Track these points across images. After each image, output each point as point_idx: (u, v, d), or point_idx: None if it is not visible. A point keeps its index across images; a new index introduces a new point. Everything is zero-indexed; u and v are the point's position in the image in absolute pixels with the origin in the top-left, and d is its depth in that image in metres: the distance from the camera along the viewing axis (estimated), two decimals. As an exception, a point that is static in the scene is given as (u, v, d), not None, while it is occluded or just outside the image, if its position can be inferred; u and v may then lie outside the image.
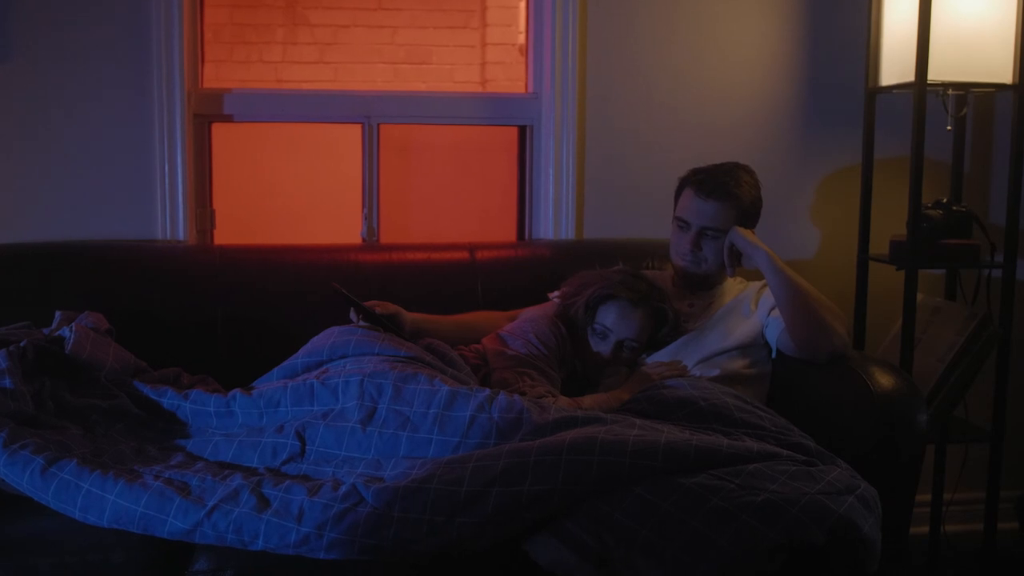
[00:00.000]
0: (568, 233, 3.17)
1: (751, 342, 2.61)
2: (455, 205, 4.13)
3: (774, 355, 2.62)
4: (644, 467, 1.92)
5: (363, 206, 3.20)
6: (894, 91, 3.03)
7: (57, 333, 2.40)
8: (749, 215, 2.67)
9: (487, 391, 2.13)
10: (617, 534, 1.85)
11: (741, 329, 2.62)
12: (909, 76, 2.85)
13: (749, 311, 2.65)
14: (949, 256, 2.97)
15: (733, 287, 2.75)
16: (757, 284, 2.72)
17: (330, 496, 1.89)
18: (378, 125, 3.18)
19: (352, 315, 2.53)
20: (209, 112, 3.09)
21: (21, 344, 2.28)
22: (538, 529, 1.89)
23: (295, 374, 2.37)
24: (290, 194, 4.60)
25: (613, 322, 2.54)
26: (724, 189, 2.62)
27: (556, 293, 2.69)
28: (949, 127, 3.09)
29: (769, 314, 2.62)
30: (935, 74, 2.83)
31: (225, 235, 3.19)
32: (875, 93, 3.11)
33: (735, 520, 1.83)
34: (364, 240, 3.20)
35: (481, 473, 1.89)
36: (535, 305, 2.71)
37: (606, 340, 2.55)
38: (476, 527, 1.86)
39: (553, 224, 3.17)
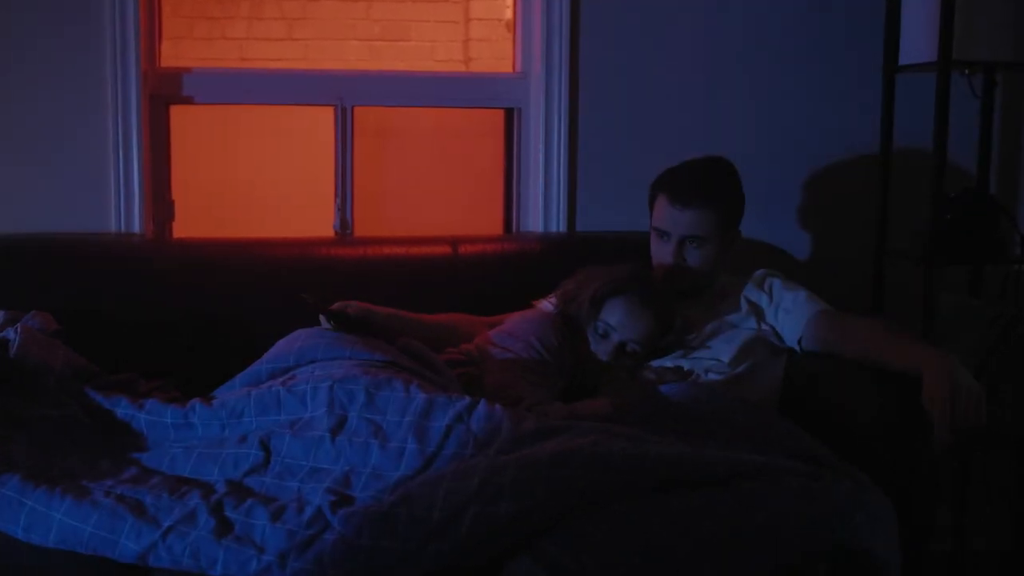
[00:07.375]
0: (559, 225, 3.17)
1: (758, 338, 2.63)
2: (436, 195, 4.14)
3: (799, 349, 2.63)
4: (630, 484, 1.91)
5: (336, 196, 3.20)
6: (916, 70, 3.03)
7: (0, 335, 2.40)
8: (731, 217, 2.71)
9: (467, 399, 2.13)
10: (599, 557, 1.82)
11: (746, 326, 2.66)
12: (932, 54, 2.85)
13: (749, 307, 2.70)
14: (974, 251, 2.97)
15: (730, 282, 2.78)
16: (751, 279, 2.76)
17: (295, 521, 1.89)
18: (352, 108, 3.17)
19: (322, 319, 2.53)
20: (167, 93, 3.09)
21: (-40, 348, 2.28)
22: (516, 551, 1.88)
23: (259, 381, 2.37)
24: (256, 183, 4.61)
25: (619, 320, 2.54)
26: (701, 195, 2.64)
27: (543, 301, 2.69)
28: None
29: (777, 313, 2.65)
30: (960, 52, 2.83)
31: (184, 228, 3.19)
32: (895, 73, 3.11)
33: (729, 545, 1.83)
34: (337, 233, 3.20)
35: (454, 494, 1.88)
36: (519, 312, 2.70)
37: (607, 340, 2.55)
38: (451, 554, 1.85)
39: (543, 216, 3.17)
